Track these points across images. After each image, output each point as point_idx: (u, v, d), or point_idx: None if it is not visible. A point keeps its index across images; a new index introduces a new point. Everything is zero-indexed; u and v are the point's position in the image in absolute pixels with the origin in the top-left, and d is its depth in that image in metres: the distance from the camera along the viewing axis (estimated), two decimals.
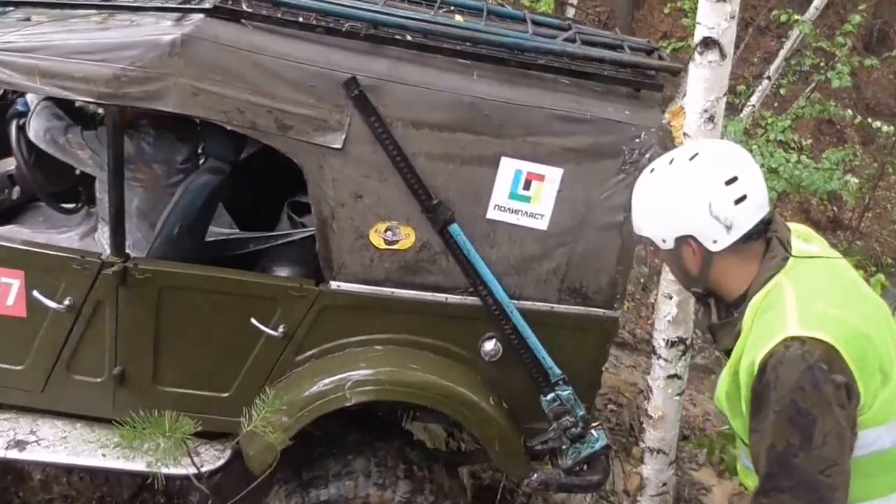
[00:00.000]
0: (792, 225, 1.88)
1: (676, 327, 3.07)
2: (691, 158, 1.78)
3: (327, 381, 2.59)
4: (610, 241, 2.55)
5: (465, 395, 2.63)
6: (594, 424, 2.76)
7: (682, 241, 1.79)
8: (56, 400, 2.69)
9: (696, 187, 1.74)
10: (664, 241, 1.83)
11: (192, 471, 2.55)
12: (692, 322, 3.14)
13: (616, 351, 6.07)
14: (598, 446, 2.71)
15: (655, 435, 3.23)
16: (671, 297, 3.06)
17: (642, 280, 6.86)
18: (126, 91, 2.30)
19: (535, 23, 2.86)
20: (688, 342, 3.11)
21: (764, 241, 1.77)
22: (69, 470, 3.28)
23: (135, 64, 2.27)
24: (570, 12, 8.08)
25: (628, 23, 9.78)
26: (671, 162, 1.83)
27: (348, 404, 2.55)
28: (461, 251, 2.49)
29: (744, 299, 1.76)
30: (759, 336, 1.66)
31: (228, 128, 2.42)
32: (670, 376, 3.13)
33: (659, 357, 3.13)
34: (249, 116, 2.35)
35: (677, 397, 3.18)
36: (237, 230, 3.45)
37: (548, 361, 2.60)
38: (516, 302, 2.57)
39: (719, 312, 1.95)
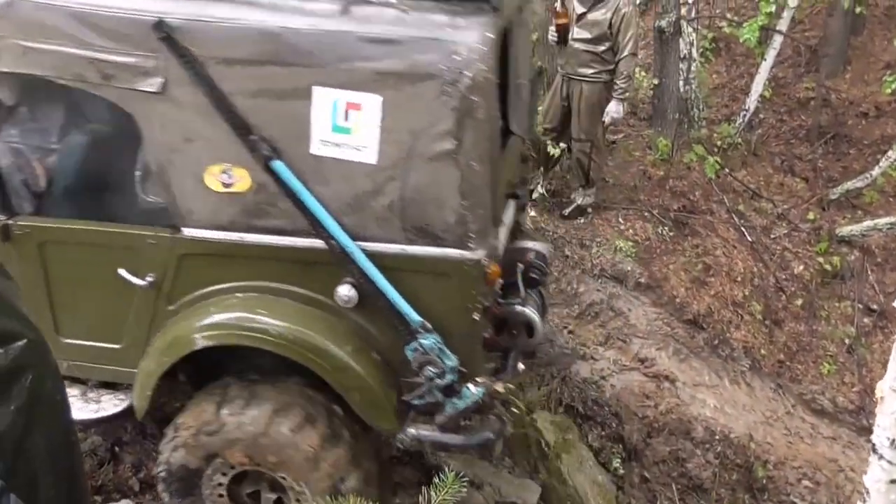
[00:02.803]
0: None
1: None
2: None
3: (183, 328, 2.63)
4: (445, 172, 2.35)
5: (315, 340, 2.52)
6: (479, 380, 2.55)
7: None
8: None
9: None
10: None
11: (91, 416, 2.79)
12: None
13: (813, 419, 5.50)
14: (469, 402, 2.51)
15: None
16: None
17: (847, 341, 6.14)
18: None
19: None
20: None
21: None
22: None
23: None
24: (778, 39, 7.46)
25: (843, 50, 8.88)
26: None
27: (196, 348, 2.58)
28: (291, 190, 2.39)
29: None
30: None
31: (59, 82, 2.50)
32: (895, 481, 2.68)
33: (881, 458, 2.68)
34: (76, 69, 2.43)
35: None
36: None
37: (403, 306, 2.43)
38: (363, 244, 2.43)
39: None
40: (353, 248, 2.44)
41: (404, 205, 2.43)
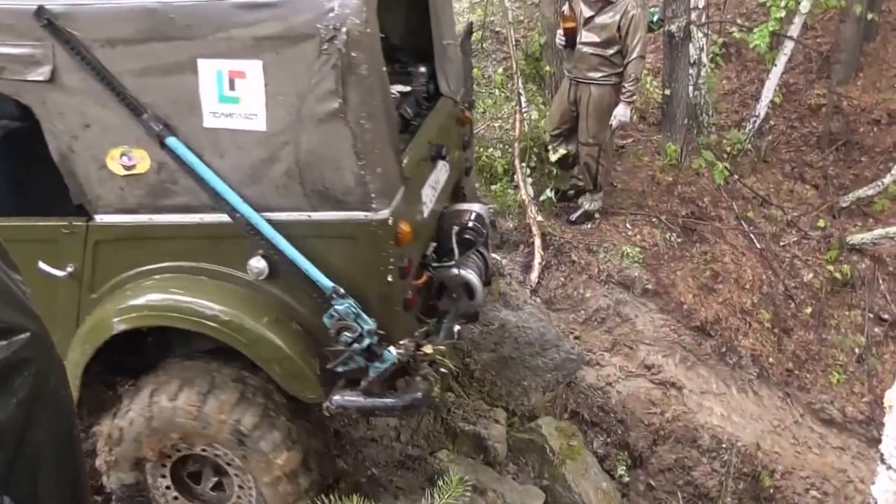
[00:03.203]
0: None
1: None
2: None
3: (101, 314, 2.63)
4: (335, 133, 2.33)
5: (229, 314, 2.52)
6: (401, 342, 2.55)
7: None
8: None
9: None
10: None
11: None
12: None
13: (822, 429, 5.45)
14: (386, 364, 2.50)
15: None
16: None
17: (857, 350, 6.07)
18: None
19: None
20: None
21: None
22: None
23: None
24: (789, 45, 7.41)
25: (855, 57, 8.80)
26: None
27: (114, 333, 2.58)
28: (189, 166, 2.40)
29: None
30: None
31: None
32: None
33: (889, 468, 2.64)
34: None
35: None
36: None
37: (314, 274, 2.42)
38: (268, 214, 2.43)
39: None
40: (256, 219, 2.44)
41: (301, 170, 2.42)
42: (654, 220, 6.23)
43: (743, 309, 6.00)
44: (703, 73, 7.03)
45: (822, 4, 7.26)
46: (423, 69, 3.30)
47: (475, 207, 3.32)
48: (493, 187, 6.22)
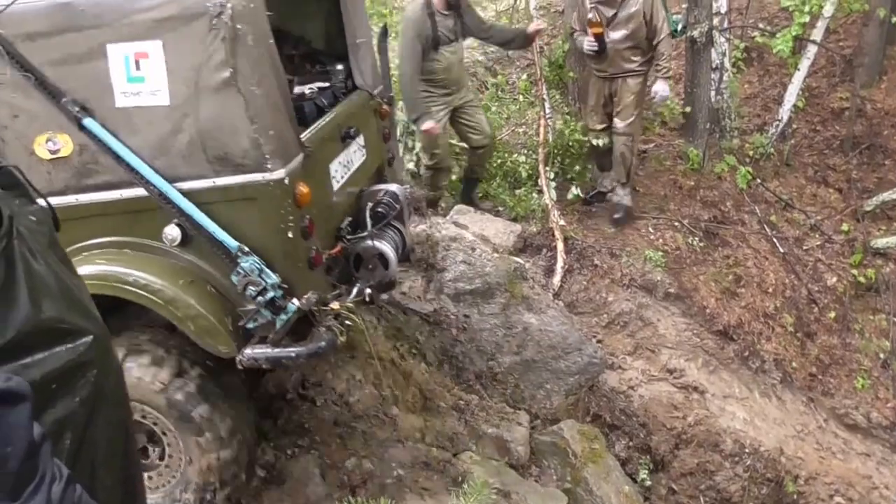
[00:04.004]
0: None
1: None
2: None
3: None
4: (230, 100, 2.57)
5: (147, 279, 2.71)
6: (307, 296, 2.71)
7: None
8: None
9: None
10: None
11: None
12: None
13: (846, 434, 5.42)
14: (290, 314, 2.68)
15: None
16: None
17: (882, 355, 6.04)
18: None
19: None
20: None
21: None
22: None
23: None
24: (812, 49, 7.39)
25: (879, 60, 8.74)
26: None
27: None
28: (106, 144, 2.60)
29: None
30: None
31: None
32: None
33: None
34: None
35: None
36: None
37: (219, 235, 2.63)
38: (179, 184, 2.64)
39: None
40: (167, 188, 2.66)
41: (203, 138, 2.65)
42: (676, 224, 6.24)
43: (766, 313, 5.99)
44: (725, 78, 7.03)
45: (845, 8, 7.23)
46: (340, 67, 3.69)
47: (391, 187, 3.66)
48: (517, 192, 6.26)
